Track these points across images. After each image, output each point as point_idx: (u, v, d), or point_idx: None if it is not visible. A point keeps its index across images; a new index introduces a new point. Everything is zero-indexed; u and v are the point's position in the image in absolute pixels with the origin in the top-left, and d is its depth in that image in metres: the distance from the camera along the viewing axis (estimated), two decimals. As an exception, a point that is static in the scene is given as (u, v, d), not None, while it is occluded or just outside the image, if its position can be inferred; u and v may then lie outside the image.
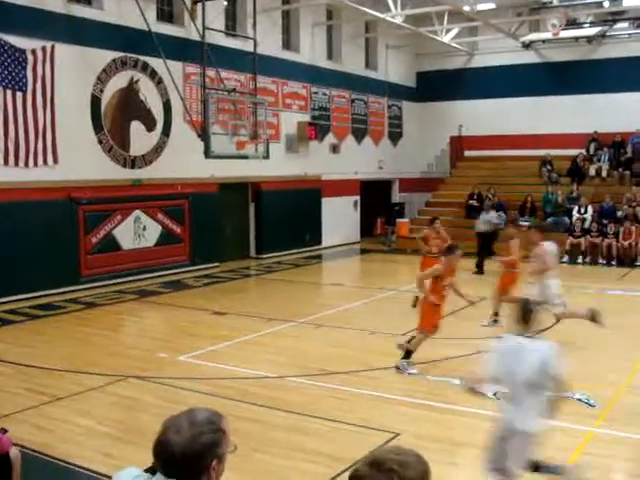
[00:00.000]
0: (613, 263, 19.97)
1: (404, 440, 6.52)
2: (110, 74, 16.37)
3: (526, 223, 19.35)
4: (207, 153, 16.28)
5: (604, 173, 23.79)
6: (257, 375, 6.53)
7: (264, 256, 19.55)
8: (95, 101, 16.08)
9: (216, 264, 18.21)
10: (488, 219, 18.95)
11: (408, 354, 9.54)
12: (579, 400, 8.14)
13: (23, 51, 14.37)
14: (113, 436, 7.11)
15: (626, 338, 11.19)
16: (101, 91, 16.19)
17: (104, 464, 6.23)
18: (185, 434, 2.29)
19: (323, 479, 5.96)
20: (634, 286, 16.30)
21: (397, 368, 9.45)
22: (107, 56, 16.26)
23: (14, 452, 4.54)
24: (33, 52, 14.55)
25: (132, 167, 17.03)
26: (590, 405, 7.99)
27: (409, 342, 9.66)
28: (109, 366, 9.14)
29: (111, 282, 16.00)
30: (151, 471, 2.40)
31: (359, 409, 7.96)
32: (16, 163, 14.41)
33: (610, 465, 6.46)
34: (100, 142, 16.22)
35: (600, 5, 23.06)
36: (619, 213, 21.18)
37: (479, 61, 27.57)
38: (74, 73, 15.46)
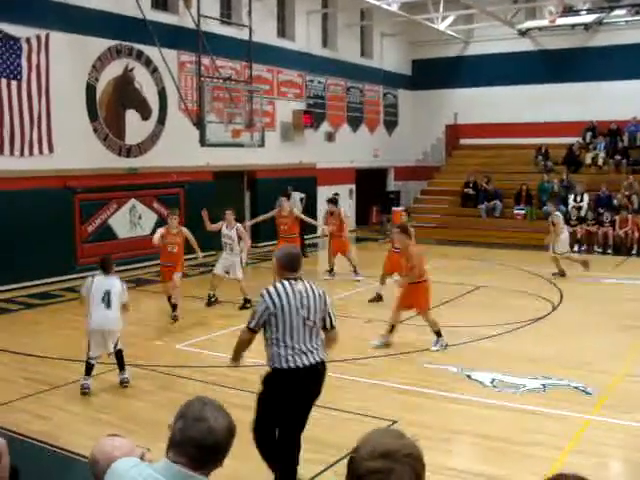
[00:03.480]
0: (609, 252, 20.01)
1: (399, 428, 6.53)
2: (105, 62, 16.29)
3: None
4: (203, 141, 16.25)
5: (600, 161, 23.78)
6: (255, 363, 6.51)
7: (260, 244, 19.49)
8: (90, 89, 16.00)
9: (212, 252, 18.16)
10: None
11: (438, 334, 10.00)
12: (575, 388, 8.18)
13: (18, 39, 14.29)
14: (111, 423, 7.11)
15: (621, 326, 11.23)
16: (96, 79, 16.12)
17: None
18: (223, 423, 2.37)
19: (322, 466, 5.98)
20: (629, 274, 16.34)
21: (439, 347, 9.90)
22: (102, 44, 16.18)
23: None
24: (28, 40, 14.46)
25: (127, 156, 16.98)
26: (587, 393, 8.03)
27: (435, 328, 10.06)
28: (106, 354, 9.12)
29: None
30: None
31: (356, 397, 7.98)
32: (11, 152, 14.35)
33: (607, 452, 6.49)
34: (95, 131, 16.16)
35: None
36: (615, 202, 21.19)
37: (475, 49, 27.50)
38: (69, 61, 15.39)
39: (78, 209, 15.81)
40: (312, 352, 5.20)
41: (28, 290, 14.35)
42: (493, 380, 8.51)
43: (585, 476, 1.52)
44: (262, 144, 18.02)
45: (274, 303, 5.14)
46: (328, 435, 6.65)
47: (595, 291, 14.77)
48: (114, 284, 8.23)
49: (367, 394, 8.13)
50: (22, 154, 14.54)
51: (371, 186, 26.54)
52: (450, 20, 25.25)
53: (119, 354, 8.40)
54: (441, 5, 23.58)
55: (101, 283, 8.20)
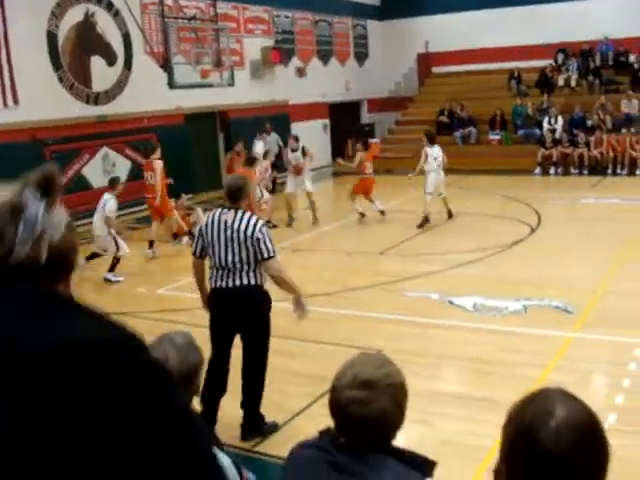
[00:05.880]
0: (585, 172, 20.07)
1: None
2: (64, 8, 15.83)
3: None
4: (171, 84, 16.02)
5: (573, 83, 23.67)
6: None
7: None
8: (51, 37, 15.59)
9: (189, 195, 18.08)
10: None
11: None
12: (556, 307, 8.29)
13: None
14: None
15: (599, 245, 11.34)
16: (56, 27, 15.70)
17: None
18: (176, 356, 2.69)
19: (310, 398, 6.06)
20: (606, 194, 16.45)
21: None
22: (60, -11, 15.72)
23: None
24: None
25: (96, 103, 16.66)
26: (567, 312, 8.14)
27: None
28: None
29: (85, 222, 15.82)
30: None
31: (341, 329, 8.05)
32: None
33: (588, 368, 6.62)
34: (61, 80, 15.81)
35: None
36: (589, 122, 21.18)
37: (443, -26, 27.01)
38: (27, 9, 14.92)
39: (50, 161, 15.57)
40: (235, 277, 5.45)
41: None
42: (475, 304, 8.60)
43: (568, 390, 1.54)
44: (232, 83, 17.77)
45: (202, 231, 5.63)
46: (313, 368, 6.72)
47: (573, 212, 14.89)
48: (103, 199, 11.11)
49: (351, 326, 8.19)
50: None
51: (345, 119, 26.33)
52: (416, -55, 24.71)
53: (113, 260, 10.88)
54: None
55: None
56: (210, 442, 1.43)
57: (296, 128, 22.11)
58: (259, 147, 18.72)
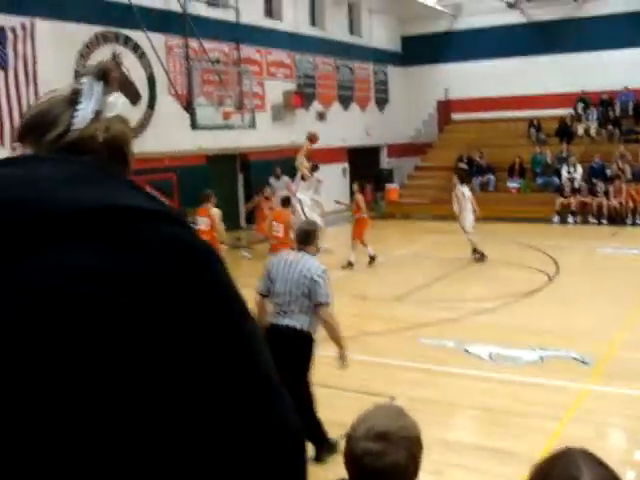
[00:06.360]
0: (604, 222, 20.01)
1: (399, 404, 6.57)
2: (92, 49, 16.16)
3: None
4: (194, 125, 16.20)
5: (593, 132, 23.76)
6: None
7: (255, 226, 19.46)
8: (79, 77, 15.84)
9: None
10: None
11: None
12: (573, 358, 8.21)
13: (2, 29, 14.16)
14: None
15: (617, 295, 11.26)
16: (84, 67, 16.00)
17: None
18: None
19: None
20: (624, 244, 16.37)
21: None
22: (88, 31, 16.03)
23: None
24: (13, 30, 14.32)
25: (119, 142, 16.86)
26: (584, 363, 8.07)
27: None
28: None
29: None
30: None
31: (355, 374, 7.99)
32: (1, 143, 14.28)
33: (605, 421, 6.54)
34: (85, 118, 16.04)
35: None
36: (609, 172, 21.19)
37: (464, 23, 27.32)
38: (56, 49, 15.25)
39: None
40: (289, 316, 5.66)
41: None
42: (490, 354, 8.55)
43: (588, 448, 1.51)
44: (253, 125, 17.96)
45: (269, 270, 5.82)
46: (329, 414, 6.67)
47: (591, 261, 14.81)
48: None
49: (366, 372, 8.14)
50: (14, 148, 14.41)
51: (364, 164, 26.48)
52: (438, -6, 25.11)
53: None
54: (428, -21, 23.43)
55: None
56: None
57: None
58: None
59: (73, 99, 1.23)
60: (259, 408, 0.96)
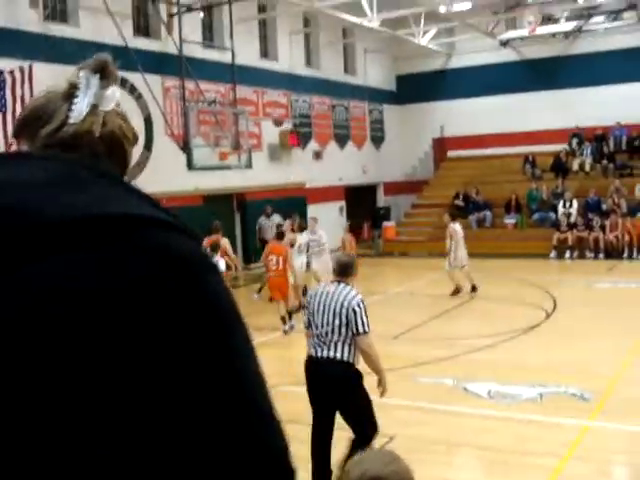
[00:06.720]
0: (600, 256, 20.03)
1: (398, 443, 6.50)
2: (89, 91, 16.28)
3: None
4: (190, 165, 16.27)
5: (587, 167, 23.90)
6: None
7: (252, 266, 19.48)
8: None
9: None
10: None
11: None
12: (572, 395, 8.16)
13: (1, 72, 14.30)
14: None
15: (616, 330, 11.21)
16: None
17: None
18: None
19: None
20: (622, 278, 16.37)
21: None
22: (85, 73, 16.17)
23: None
24: (11, 73, 14.46)
25: (115, 183, 16.91)
26: (584, 399, 8.01)
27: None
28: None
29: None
30: None
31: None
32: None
33: (606, 458, 6.47)
34: (82, 160, 16.12)
35: (575, 0, 23.17)
36: (604, 206, 21.26)
37: (458, 61, 27.67)
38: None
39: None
40: (328, 347, 5.69)
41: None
42: (489, 391, 8.48)
43: None
44: (250, 165, 18.05)
45: (309, 301, 5.99)
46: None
47: (588, 296, 14.79)
48: None
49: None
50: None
51: (361, 202, 26.58)
52: (432, 34, 25.39)
53: None
54: (422, 19, 23.71)
55: None
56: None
57: (312, 210, 22.35)
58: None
59: (70, 93, 1.19)
60: (238, 430, 0.89)
